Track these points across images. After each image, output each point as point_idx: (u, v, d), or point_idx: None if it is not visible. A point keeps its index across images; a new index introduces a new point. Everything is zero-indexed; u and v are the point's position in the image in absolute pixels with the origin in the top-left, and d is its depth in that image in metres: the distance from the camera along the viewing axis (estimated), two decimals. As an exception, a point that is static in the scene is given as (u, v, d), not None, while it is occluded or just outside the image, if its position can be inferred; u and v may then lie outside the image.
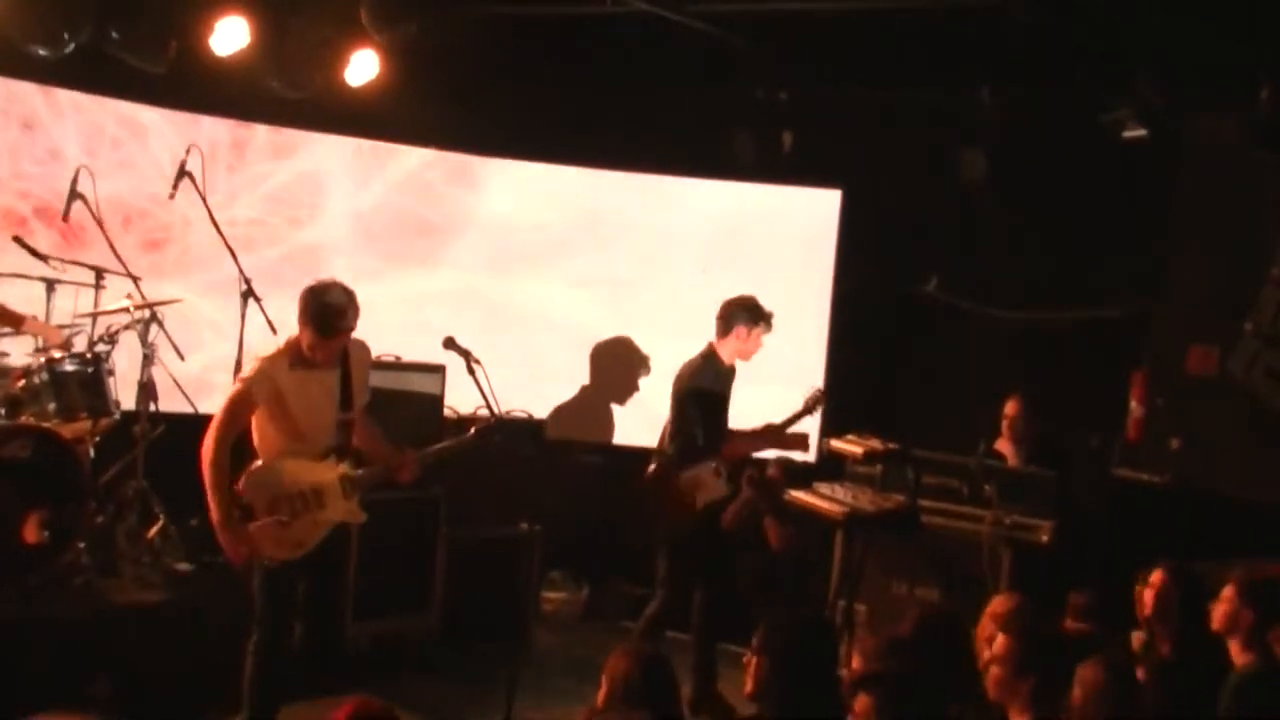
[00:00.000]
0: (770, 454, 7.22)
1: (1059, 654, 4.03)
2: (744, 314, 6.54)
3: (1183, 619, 4.70)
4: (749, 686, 4.06)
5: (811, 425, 6.93)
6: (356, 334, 5.29)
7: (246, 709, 5.26)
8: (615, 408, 8.39)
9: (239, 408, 5.16)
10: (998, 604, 4.65)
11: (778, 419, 6.65)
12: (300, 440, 5.21)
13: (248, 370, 5.24)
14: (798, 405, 6.71)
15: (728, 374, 6.60)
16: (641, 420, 8.27)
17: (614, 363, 8.36)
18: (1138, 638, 4.88)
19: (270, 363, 5.16)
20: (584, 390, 8.38)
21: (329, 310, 5.10)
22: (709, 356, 6.57)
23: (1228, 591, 4.53)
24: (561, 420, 8.20)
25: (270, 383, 5.13)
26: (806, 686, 3.98)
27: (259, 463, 5.20)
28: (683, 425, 6.50)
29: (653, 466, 6.59)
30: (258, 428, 5.23)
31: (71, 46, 6.42)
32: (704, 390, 6.51)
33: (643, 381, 8.29)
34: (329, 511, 5.21)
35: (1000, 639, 4.00)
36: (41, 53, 6.43)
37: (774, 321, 6.59)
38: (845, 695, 3.81)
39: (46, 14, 6.39)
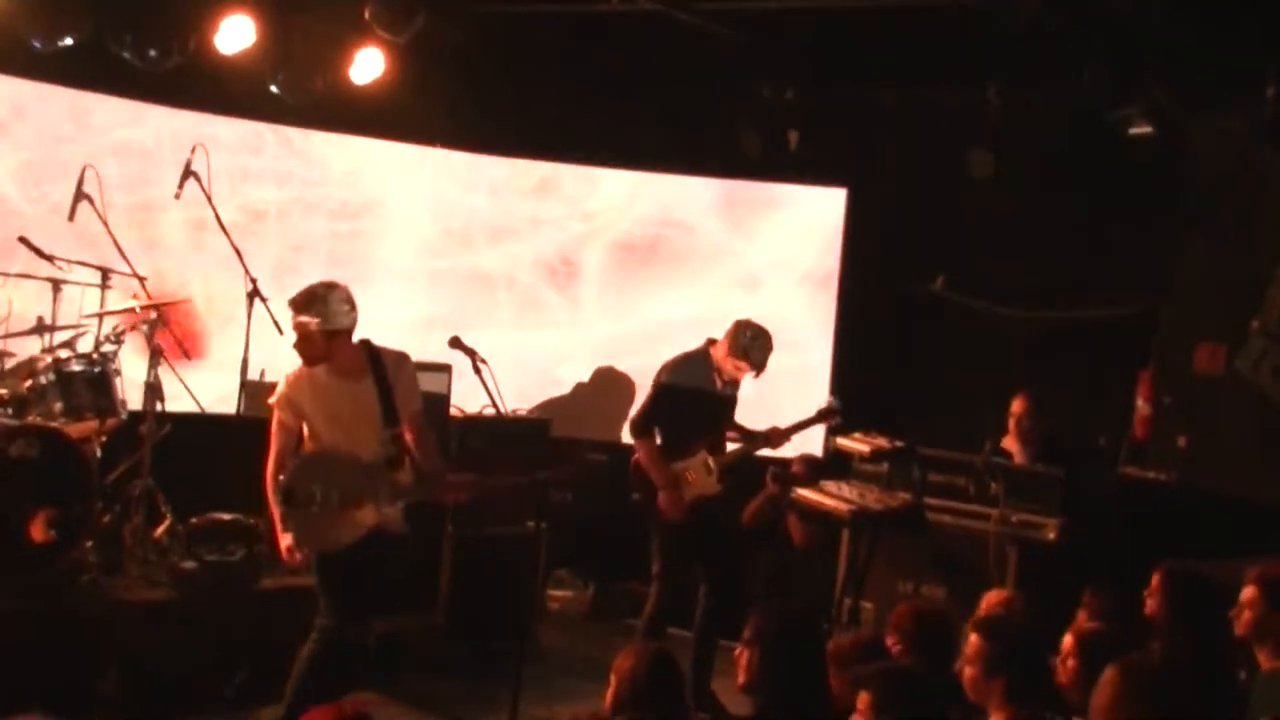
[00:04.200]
0: (792, 451, 7.18)
1: (1031, 652, 4.01)
2: (736, 333, 6.40)
3: (1179, 621, 4.66)
4: (741, 678, 4.07)
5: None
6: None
7: (288, 696, 5.25)
8: (621, 407, 8.39)
9: (277, 429, 5.24)
10: (986, 602, 4.63)
11: (778, 417, 6.62)
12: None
13: (274, 395, 5.29)
14: (809, 413, 6.71)
15: (710, 369, 6.49)
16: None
17: (619, 361, 8.36)
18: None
19: (290, 385, 5.23)
20: (591, 389, 8.37)
21: (315, 302, 5.12)
22: (700, 353, 6.50)
23: (1248, 595, 4.39)
24: (568, 418, 8.20)
25: (292, 404, 5.21)
26: (797, 677, 3.98)
27: (312, 448, 5.25)
28: (661, 417, 6.42)
29: (637, 457, 6.54)
30: (307, 437, 5.28)
31: (69, 41, 6.40)
32: (679, 386, 6.44)
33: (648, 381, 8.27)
34: (365, 514, 5.20)
35: (972, 638, 3.98)
36: (38, 47, 6.42)
37: (758, 364, 6.39)
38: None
39: (46, 10, 6.38)
